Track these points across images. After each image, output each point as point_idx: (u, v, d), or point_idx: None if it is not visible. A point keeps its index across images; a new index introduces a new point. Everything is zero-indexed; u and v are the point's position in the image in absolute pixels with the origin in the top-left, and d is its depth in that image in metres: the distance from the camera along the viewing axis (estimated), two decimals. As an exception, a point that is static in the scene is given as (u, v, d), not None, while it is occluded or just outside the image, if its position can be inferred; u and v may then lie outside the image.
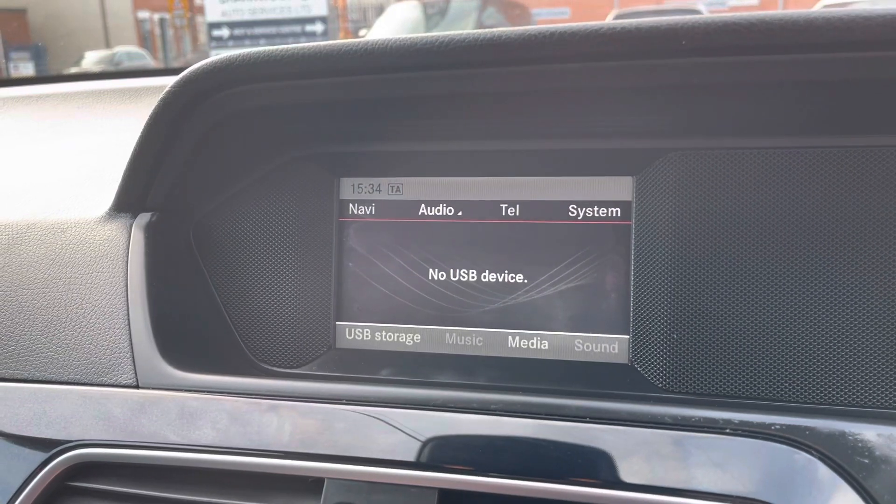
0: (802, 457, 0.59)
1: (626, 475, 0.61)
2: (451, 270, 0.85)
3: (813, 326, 0.74)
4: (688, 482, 0.59)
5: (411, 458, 0.63)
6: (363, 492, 0.63)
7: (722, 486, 0.58)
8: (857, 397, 0.73)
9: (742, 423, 0.61)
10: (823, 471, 0.59)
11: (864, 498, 0.57)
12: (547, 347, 0.82)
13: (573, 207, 0.82)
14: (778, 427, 0.61)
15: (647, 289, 0.78)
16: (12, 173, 1.01)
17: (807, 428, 0.60)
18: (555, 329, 0.82)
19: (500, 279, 0.84)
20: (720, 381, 0.76)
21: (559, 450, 0.62)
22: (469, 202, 0.85)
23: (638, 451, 0.61)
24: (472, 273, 0.84)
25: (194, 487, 0.67)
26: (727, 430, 0.61)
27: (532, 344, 0.83)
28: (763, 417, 0.61)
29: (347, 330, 0.87)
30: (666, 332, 0.77)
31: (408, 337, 0.86)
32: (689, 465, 0.60)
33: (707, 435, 0.61)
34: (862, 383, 0.73)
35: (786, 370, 0.74)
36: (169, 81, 0.77)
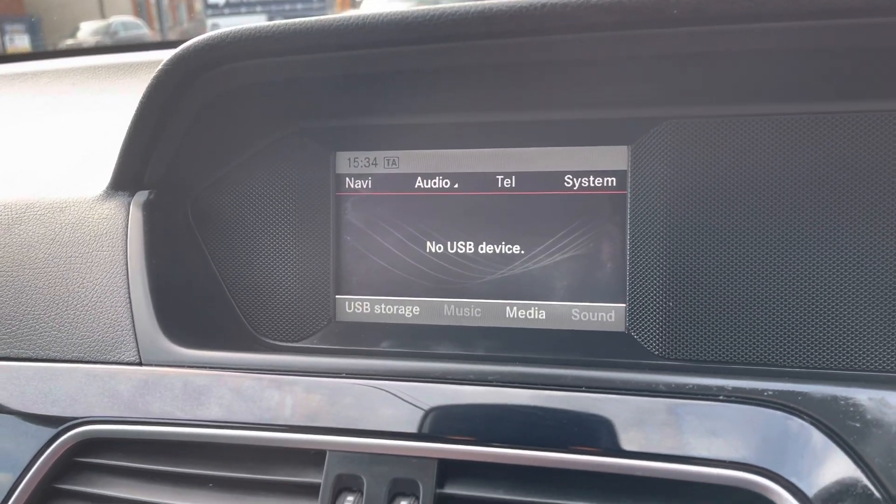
0: (795, 422, 0.60)
1: (623, 443, 0.62)
2: (449, 243, 0.85)
3: (806, 292, 0.75)
4: (683, 449, 0.60)
5: (411, 429, 0.64)
6: (364, 463, 0.64)
7: (716, 452, 0.59)
8: (850, 361, 0.73)
9: (735, 389, 0.62)
10: (816, 436, 0.60)
11: (856, 462, 0.58)
12: (544, 317, 0.83)
13: (569, 178, 0.82)
14: (771, 393, 0.61)
15: (644, 257, 0.79)
16: (9, 153, 1.01)
17: (799, 393, 0.61)
18: (552, 299, 0.83)
19: (498, 250, 0.84)
20: (716, 347, 0.77)
21: (556, 419, 0.63)
22: (465, 174, 0.85)
23: (633, 419, 0.62)
24: (470, 245, 0.85)
25: (199, 461, 0.68)
26: (721, 397, 0.62)
27: (530, 314, 0.83)
28: (756, 384, 0.62)
29: (347, 303, 0.88)
30: (662, 300, 0.78)
31: (407, 309, 0.86)
32: (684, 433, 0.61)
33: (701, 402, 0.62)
34: (854, 347, 0.73)
35: (779, 335, 0.75)
36: (164, 56, 0.76)
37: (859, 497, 0.57)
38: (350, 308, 0.88)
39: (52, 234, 0.82)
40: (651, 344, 0.78)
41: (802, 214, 0.75)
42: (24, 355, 0.77)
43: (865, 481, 0.57)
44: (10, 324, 0.79)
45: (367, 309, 0.88)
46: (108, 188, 0.83)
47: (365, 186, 0.88)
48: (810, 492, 0.57)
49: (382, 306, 0.87)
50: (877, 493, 0.56)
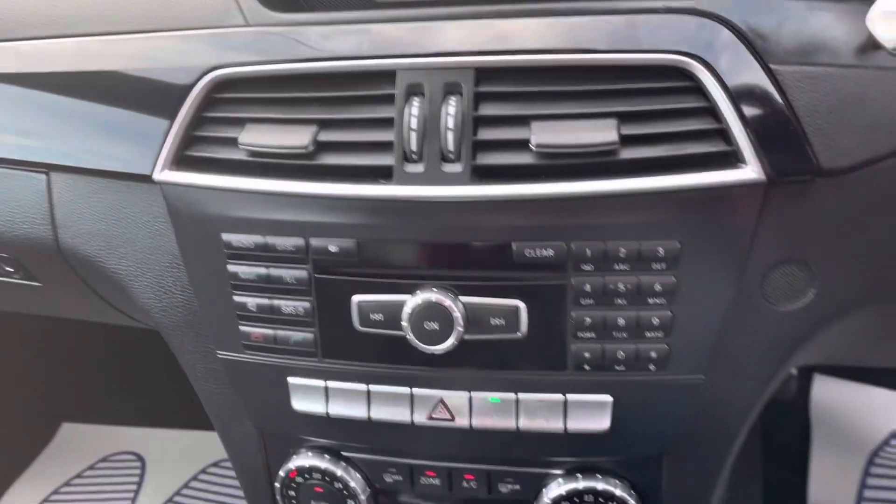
0: (717, 28, 0.89)
1: (584, 44, 0.91)
2: None
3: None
4: (633, 44, 0.91)
5: (457, 49, 0.93)
6: (425, 76, 0.93)
7: (655, 44, 0.90)
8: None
9: (672, 6, 0.91)
10: (727, 35, 0.89)
11: (760, 63, 0.87)
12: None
13: None
14: (696, 9, 0.90)
15: None
16: None
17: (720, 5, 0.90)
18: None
19: None
20: None
21: (550, 33, 0.93)
22: None
23: (598, 28, 0.91)
24: None
25: (307, 89, 0.97)
26: (661, 10, 0.91)
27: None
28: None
29: None
30: None
31: None
32: (637, 33, 0.91)
33: (648, 15, 0.91)
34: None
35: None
36: None
37: (760, 92, 0.87)
38: (382, -11, 1.14)
39: None
40: None
41: None
42: (155, 28, 1.03)
43: (765, 80, 0.87)
44: (138, 5, 1.05)
45: (395, -8, 1.14)
46: None
47: None
48: (725, 77, 0.87)
49: (409, -10, 1.13)
50: (777, 96, 0.87)
